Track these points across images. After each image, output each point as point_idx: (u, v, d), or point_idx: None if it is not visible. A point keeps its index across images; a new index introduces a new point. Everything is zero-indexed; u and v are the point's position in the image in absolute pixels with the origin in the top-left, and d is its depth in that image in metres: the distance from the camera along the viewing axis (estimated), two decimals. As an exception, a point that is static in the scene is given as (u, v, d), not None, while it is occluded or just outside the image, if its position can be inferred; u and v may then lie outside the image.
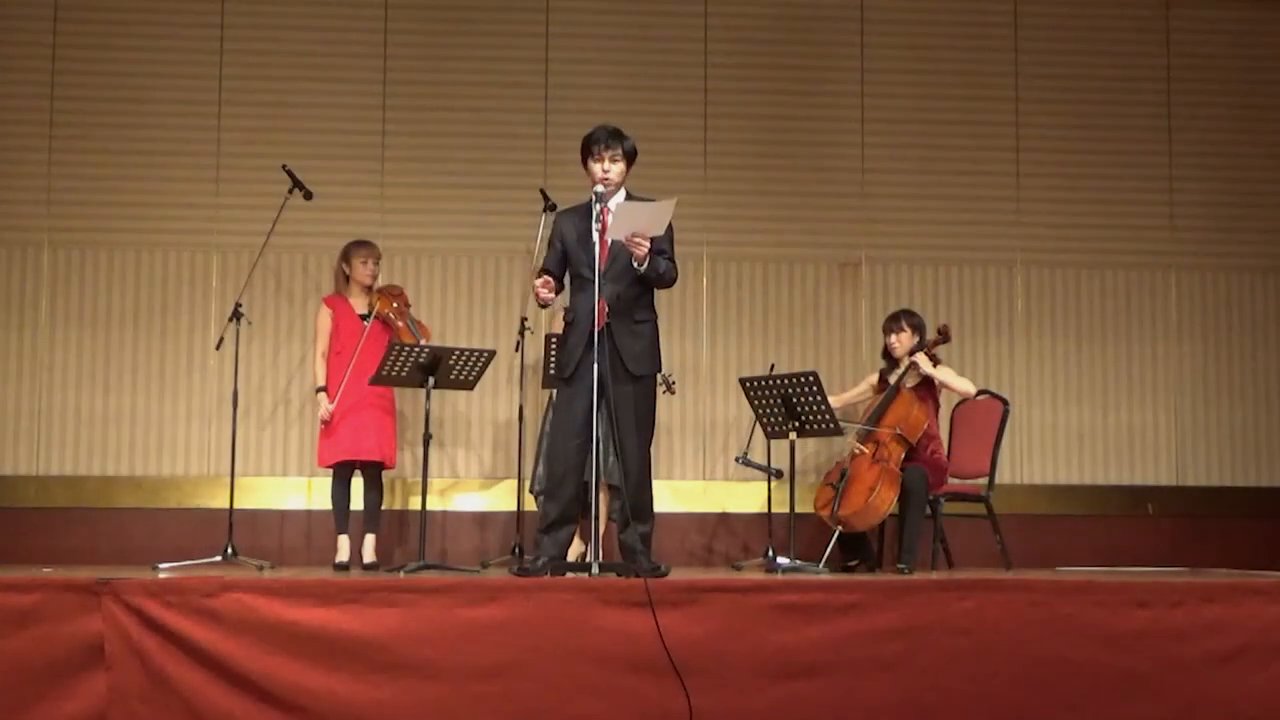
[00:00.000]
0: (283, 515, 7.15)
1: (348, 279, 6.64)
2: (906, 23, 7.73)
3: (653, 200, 5.22)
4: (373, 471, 6.51)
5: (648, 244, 5.14)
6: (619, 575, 4.73)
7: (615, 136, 5.28)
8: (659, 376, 6.75)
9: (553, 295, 5.23)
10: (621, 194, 5.33)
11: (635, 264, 5.17)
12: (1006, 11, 7.76)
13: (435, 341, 6.64)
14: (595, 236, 5.10)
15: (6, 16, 7.34)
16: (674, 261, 5.34)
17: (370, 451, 6.41)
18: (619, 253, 5.21)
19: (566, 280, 5.39)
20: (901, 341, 6.51)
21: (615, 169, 5.27)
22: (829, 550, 6.05)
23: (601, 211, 5.16)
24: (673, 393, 6.93)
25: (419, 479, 6.18)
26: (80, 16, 7.36)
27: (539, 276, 5.26)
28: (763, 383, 6.16)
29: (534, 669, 4.25)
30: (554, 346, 6.25)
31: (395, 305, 6.52)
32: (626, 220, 5.11)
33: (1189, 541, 7.34)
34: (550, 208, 6.69)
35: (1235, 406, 7.71)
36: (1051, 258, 7.68)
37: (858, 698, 4.32)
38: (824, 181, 7.63)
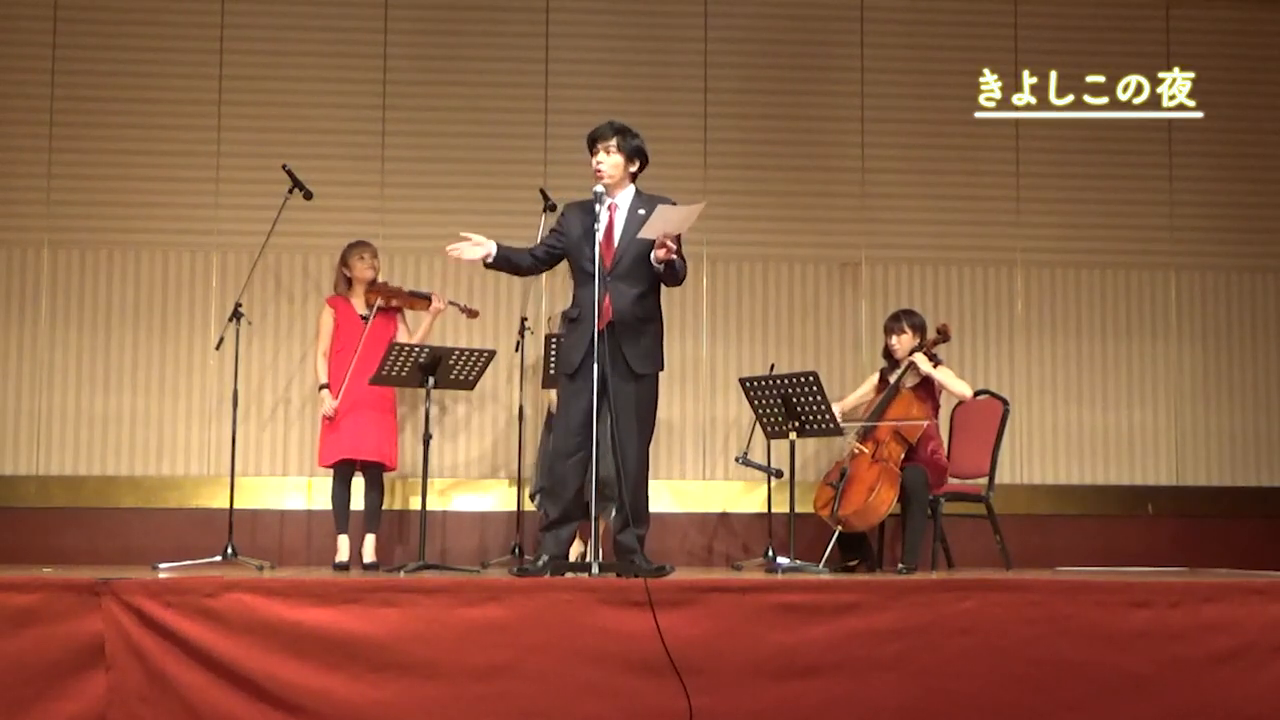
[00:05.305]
0: (283, 515, 7.15)
1: (349, 281, 6.63)
2: (906, 23, 7.73)
3: (667, 204, 5.23)
4: (374, 472, 6.51)
5: (675, 245, 5.16)
6: (619, 575, 4.73)
7: (612, 130, 5.27)
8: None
9: (479, 256, 5.33)
10: (630, 190, 5.33)
11: (655, 261, 5.16)
12: (1007, 11, 7.76)
13: (435, 342, 6.64)
14: (601, 233, 5.12)
15: (6, 16, 7.34)
16: (685, 258, 5.36)
17: (371, 452, 6.41)
18: (629, 250, 5.21)
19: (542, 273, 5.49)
20: (902, 343, 6.50)
21: (609, 162, 5.26)
22: (829, 550, 6.06)
23: (609, 209, 5.23)
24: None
25: (419, 479, 6.18)
26: (80, 16, 7.35)
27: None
28: (763, 383, 6.16)
29: (534, 669, 4.25)
30: (554, 346, 6.25)
31: (385, 290, 6.52)
32: (661, 221, 5.10)
33: (1189, 541, 7.33)
34: (550, 208, 6.71)
35: (1235, 406, 7.70)
36: (1051, 258, 7.68)
37: (858, 698, 4.32)
38: (824, 181, 7.63)
